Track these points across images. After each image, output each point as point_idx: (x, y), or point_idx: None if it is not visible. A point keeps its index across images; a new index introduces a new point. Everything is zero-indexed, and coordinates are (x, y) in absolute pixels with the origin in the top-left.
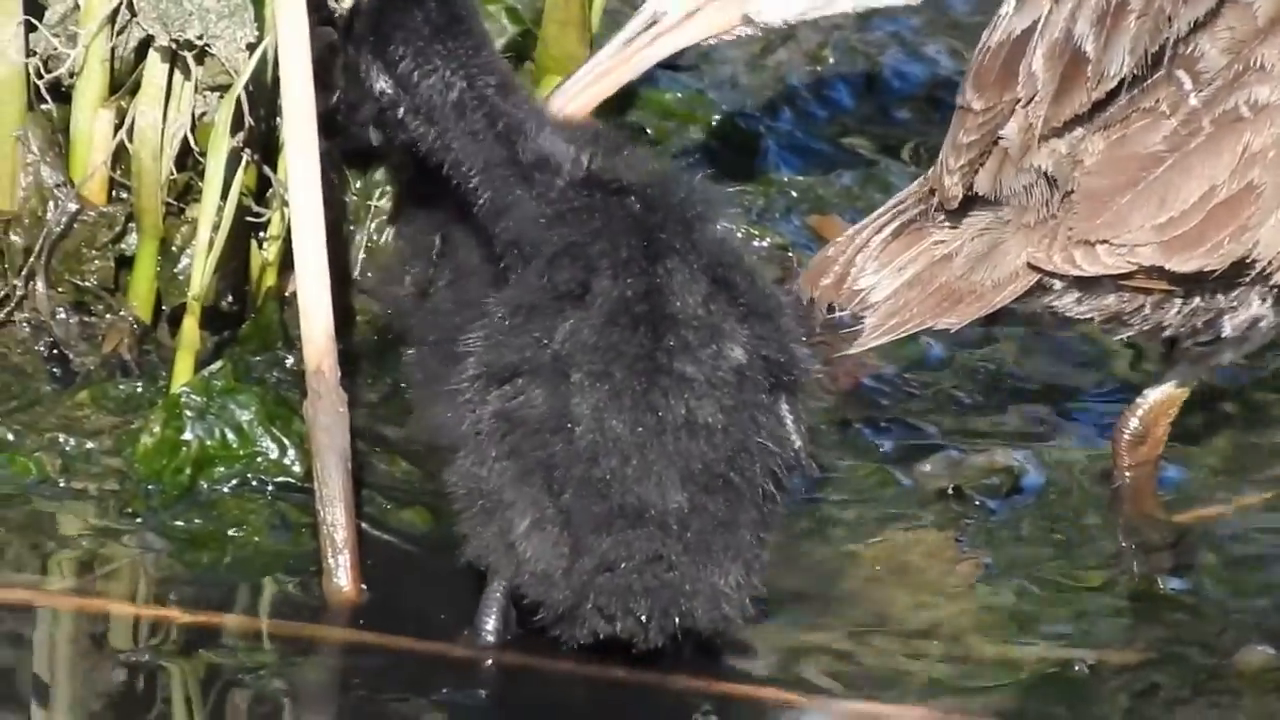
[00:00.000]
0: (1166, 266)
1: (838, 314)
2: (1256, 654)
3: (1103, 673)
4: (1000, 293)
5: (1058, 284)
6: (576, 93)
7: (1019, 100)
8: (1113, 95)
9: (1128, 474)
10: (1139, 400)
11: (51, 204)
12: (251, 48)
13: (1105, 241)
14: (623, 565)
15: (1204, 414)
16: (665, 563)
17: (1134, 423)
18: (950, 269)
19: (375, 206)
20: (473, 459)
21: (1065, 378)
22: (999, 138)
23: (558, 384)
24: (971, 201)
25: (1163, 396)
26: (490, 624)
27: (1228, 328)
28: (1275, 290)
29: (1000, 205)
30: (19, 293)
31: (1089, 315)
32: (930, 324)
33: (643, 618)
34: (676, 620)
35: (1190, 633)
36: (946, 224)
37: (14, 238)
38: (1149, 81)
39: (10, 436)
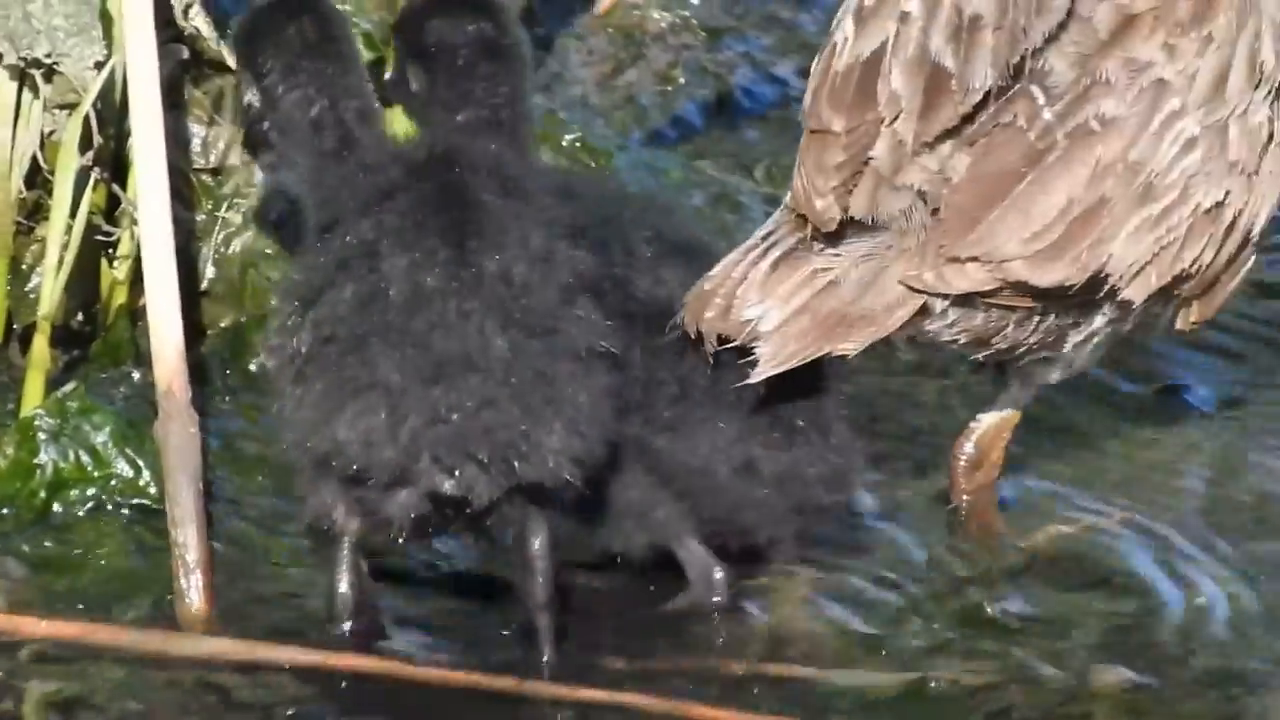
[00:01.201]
0: (1032, 281)
1: (726, 346)
2: (1110, 673)
3: (956, 694)
4: (892, 315)
5: (939, 304)
6: None
7: (882, 119)
8: (978, 109)
9: (966, 498)
10: (973, 425)
11: None
12: (100, 66)
13: (974, 258)
14: (455, 415)
15: (1039, 435)
16: (496, 407)
17: (969, 447)
18: (839, 295)
19: (223, 219)
20: (294, 390)
21: (898, 408)
22: (869, 158)
23: (368, 268)
24: (850, 225)
25: (996, 420)
26: (343, 586)
27: (1069, 344)
28: (1120, 304)
29: (881, 228)
30: None
31: (958, 337)
32: (827, 350)
33: (484, 461)
34: (516, 466)
35: (1041, 652)
36: (828, 250)
37: None
38: (1008, 97)
39: None
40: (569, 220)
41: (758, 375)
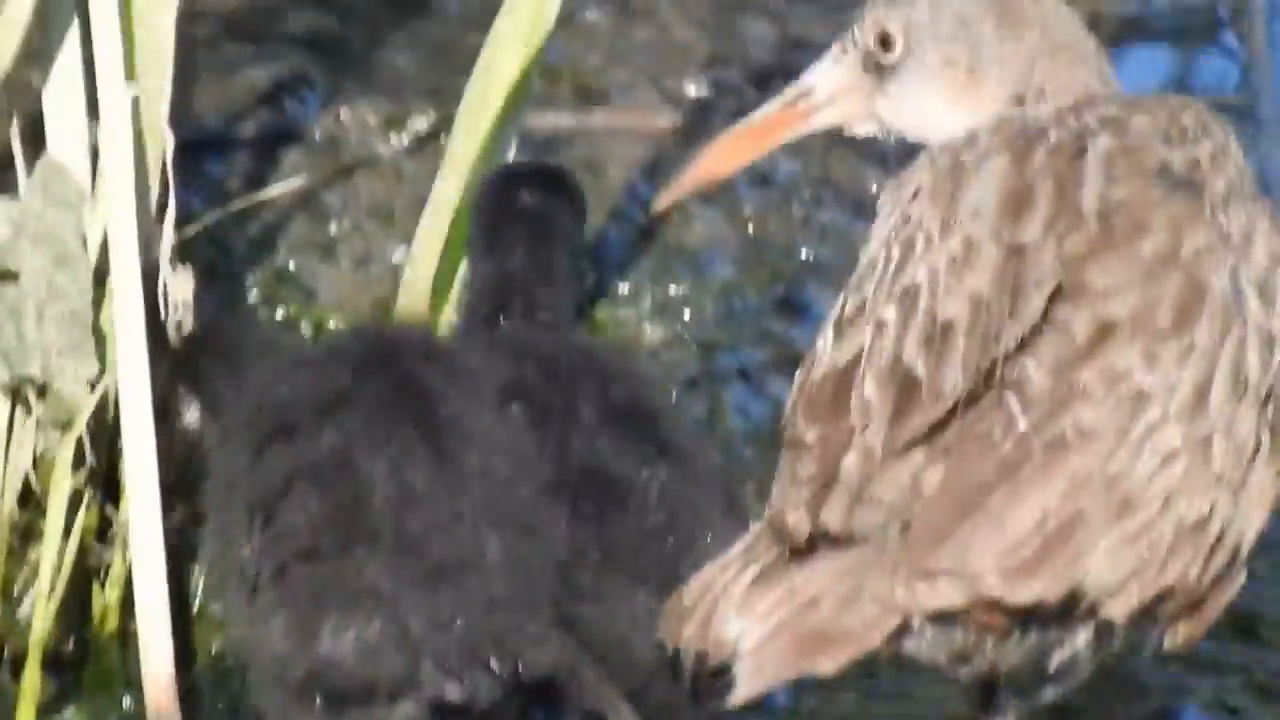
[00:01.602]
0: (1006, 597)
1: (705, 664)
2: None
3: None
4: (874, 633)
5: (917, 620)
6: (718, 156)
7: (854, 429)
8: (949, 416)
9: None
10: None
11: None
12: (93, 385)
13: (947, 572)
14: (459, 619)
15: None
16: (495, 606)
17: None
18: (819, 612)
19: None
20: (254, 608)
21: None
22: (840, 469)
23: (340, 472)
24: (825, 539)
25: None
26: None
27: (1053, 664)
28: (1102, 622)
29: (858, 542)
30: None
31: (938, 656)
32: (808, 669)
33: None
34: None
35: None
36: (807, 565)
37: None
38: (980, 405)
39: None
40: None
41: (737, 698)
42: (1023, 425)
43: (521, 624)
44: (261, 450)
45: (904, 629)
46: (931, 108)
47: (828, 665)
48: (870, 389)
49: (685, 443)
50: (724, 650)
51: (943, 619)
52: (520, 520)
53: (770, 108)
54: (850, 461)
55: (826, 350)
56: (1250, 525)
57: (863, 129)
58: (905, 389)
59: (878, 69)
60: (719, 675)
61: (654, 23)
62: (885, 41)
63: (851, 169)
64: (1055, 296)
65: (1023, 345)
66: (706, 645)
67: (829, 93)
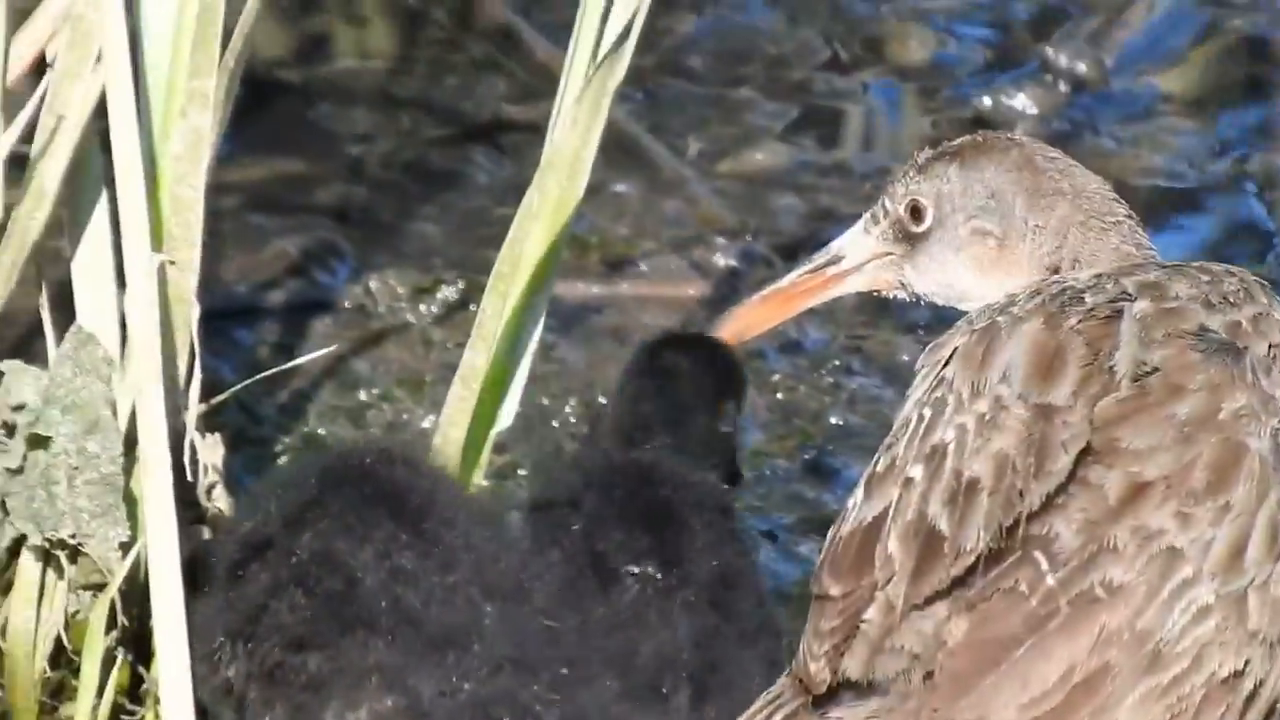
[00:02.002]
0: None
1: None
2: None
3: None
4: None
5: None
6: (743, 320)
7: (877, 583)
8: (971, 571)
9: None
10: None
11: None
12: (125, 547)
13: None
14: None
15: None
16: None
17: None
18: None
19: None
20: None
21: None
22: (862, 621)
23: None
24: (849, 688)
25: None
26: None
27: None
28: None
29: (881, 691)
30: None
31: None
32: None
33: None
34: None
35: None
36: (831, 714)
37: None
38: (1008, 562)
39: None
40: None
41: None
42: (1051, 581)
43: (529, 685)
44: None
45: None
46: (961, 277)
47: None
48: (894, 544)
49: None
50: None
51: None
52: (512, 591)
53: (799, 272)
54: (872, 614)
55: (856, 507)
56: None
57: (893, 294)
58: (928, 545)
59: (908, 238)
60: None
61: (681, 194)
62: (916, 212)
63: (881, 337)
64: (1087, 458)
65: (1052, 504)
66: None
67: (858, 260)
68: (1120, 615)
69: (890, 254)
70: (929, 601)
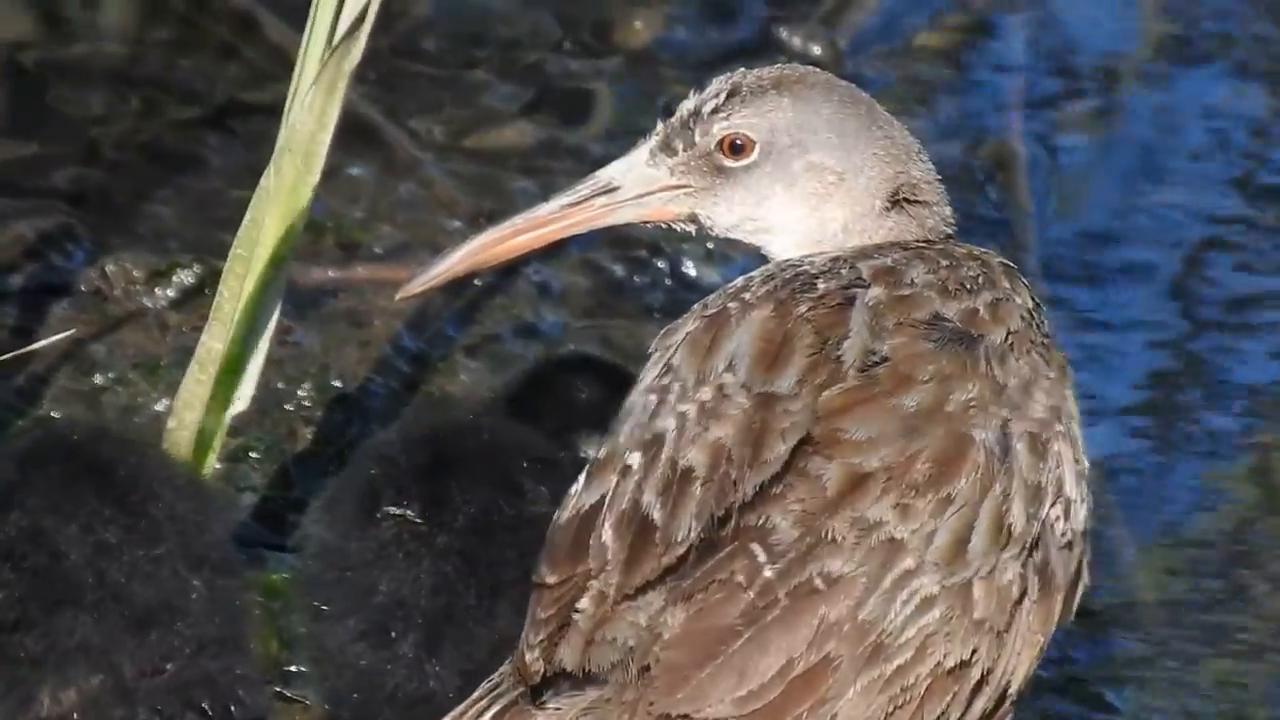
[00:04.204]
0: None
1: None
2: None
3: None
4: None
5: None
6: (502, 238)
7: (590, 572)
8: (682, 561)
9: None
10: None
11: None
12: None
13: (685, 716)
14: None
15: None
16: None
17: None
18: None
19: None
20: None
21: None
22: (575, 611)
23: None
24: (566, 678)
25: None
26: None
27: None
28: None
29: (599, 681)
30: None
31: None
32: None
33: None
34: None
35: None
36: (549, 704)
37: None
38: (724, 552)
39: None
40: None
41: None
42: (768, 573)
43: (233, 665)
44: None
45: None
46: (780, 212)
47: None
48: (608, 534)
49: None
50: None
51: None
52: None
53: (560, 202)
54: (585, 604)
55: (576, 495)
56: (1019, 666)
57: (677, 226)
58: (641, 535)
59: (717, 171)
60: None
61: (417, 177)
62: (736, 146)
63: (617, 320)
64: (807, 449)
65: (770, 495)
66: None
67: (638, 191)
68: (840, 607)
69: (686, 186)
70: (642, 592)
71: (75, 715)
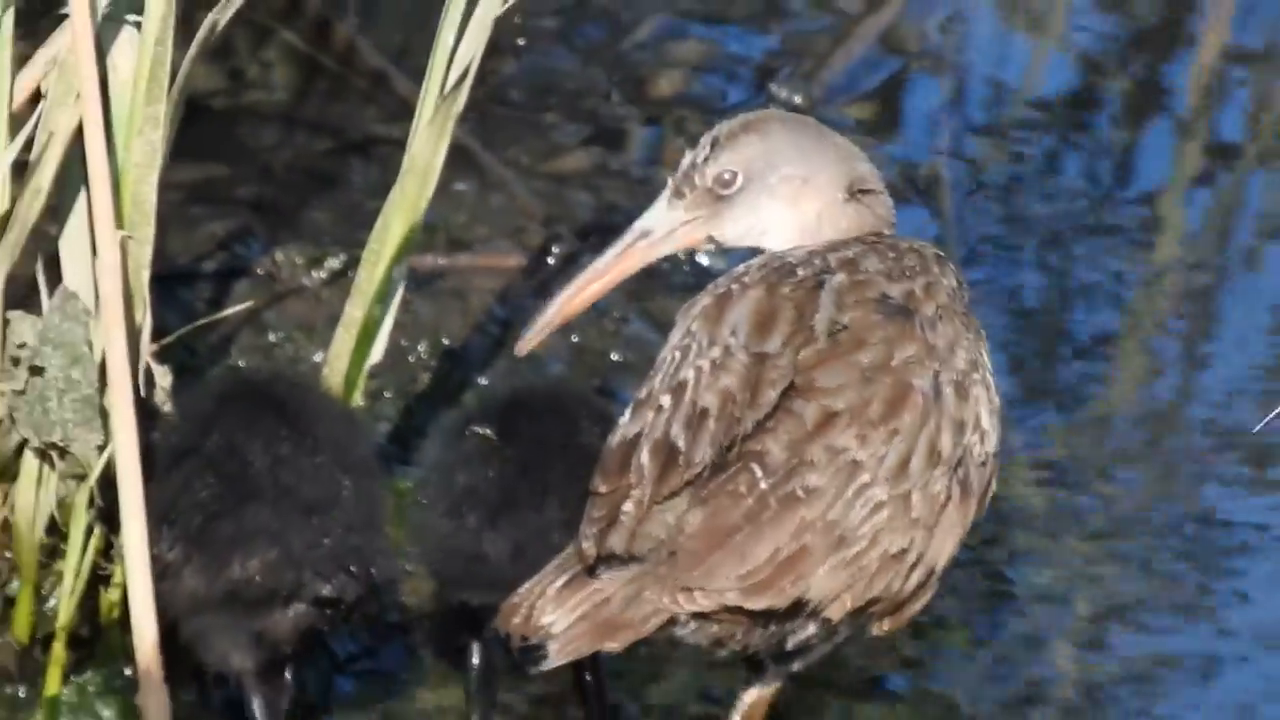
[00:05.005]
0: (745, 605)
1: (527, 643)
2: None
3: None
4: (648, 624)
5: (682, 616)
6: (580, 290)
7: (631, 484)
8: (700, 477)
9: None
10: (738, 702)
11: None
12: (100, 448)
13: (701, 588)
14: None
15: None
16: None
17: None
18: (609, 608)
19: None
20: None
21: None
22: (622, 512)
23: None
24: (614, 559)
25: (754, 698)
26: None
27: (790, 645)
28: (824, 620)
29: (638, 561)
30: None
31: (701, 640)
32: (598, 648)
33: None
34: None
35: None
36: (603, 575)
37: None
38: (732, 470)
39: None
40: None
41: (547, 665)
42: (763, 485)
43: (372, 541)
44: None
45: (673, 622)
46: (771, 216)
47: (614, 645)
48: (645, 456)
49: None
50: (540, 633)
51: (700, 618)
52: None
53: (614, 250)
54: (628, 507)
55: (622, 425)
56: (943, 553)
57: (701, 249)
58: (669, 458)
59: (717, 200)
60: (536, 650)
61: (505, 192)
62: (724, 180)
63: (654, 296)
64: (792, 394)
65: (765, 428)
66: (528, 630)
67: (666, 229)
68: (815, 510)
69: (698, 217)
70: (669, 499)
71: (258, 577)
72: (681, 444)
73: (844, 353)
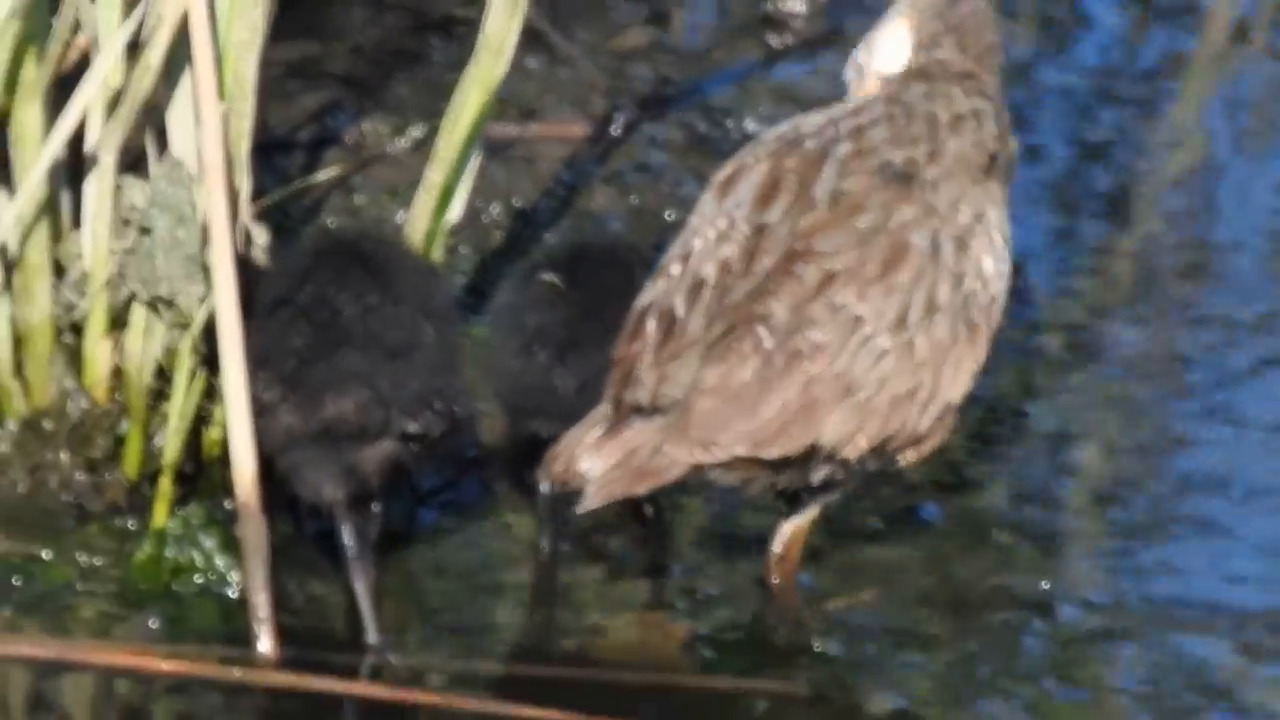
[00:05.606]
0: (757, 455)
1: (567, 487)
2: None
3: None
4: (673, 471)
5: (705, 465)
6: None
7: (643, 348)
8: (697, 341)
9: (776, 580)
10: (779, 532)
11: (71, 402)
12: (202, 300)
13: (715, 442)
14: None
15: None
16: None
17: (777, 548)
18: (639, 457)
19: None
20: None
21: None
22: (637, 371)
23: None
24: (641, 412)
25: (792, 529)
26: (370, 623)
27: (815, 481)
28: (840, 461)
29: (663, 414)
30: (50, 460)
31: (729, 482)
32: (631, 492)
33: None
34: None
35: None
36: (634, 426)
37: (46, 424)
38: (741, 330)
39: (46, 556)
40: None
41: (584, 507)
42: (769, 344)
43: (453, 383)
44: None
45: (698, 469)
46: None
47: (643, 490)
48: (651, 324)
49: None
50: (578, 479)
51: (721, 466)
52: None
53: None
54: (641, 367)
55: (645, 290)
56: (955, 388)
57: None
58: (671, 325)
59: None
60: (574, 494)
61: (571, 67)
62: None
63: (703, 161)
64: (794, 258)
65: (769, 291)
66: (568, 476)
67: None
68: (820, 364)
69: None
70: (673, 360)
71: (349, 417)
72: (680, 313)
73: (843, 218)
